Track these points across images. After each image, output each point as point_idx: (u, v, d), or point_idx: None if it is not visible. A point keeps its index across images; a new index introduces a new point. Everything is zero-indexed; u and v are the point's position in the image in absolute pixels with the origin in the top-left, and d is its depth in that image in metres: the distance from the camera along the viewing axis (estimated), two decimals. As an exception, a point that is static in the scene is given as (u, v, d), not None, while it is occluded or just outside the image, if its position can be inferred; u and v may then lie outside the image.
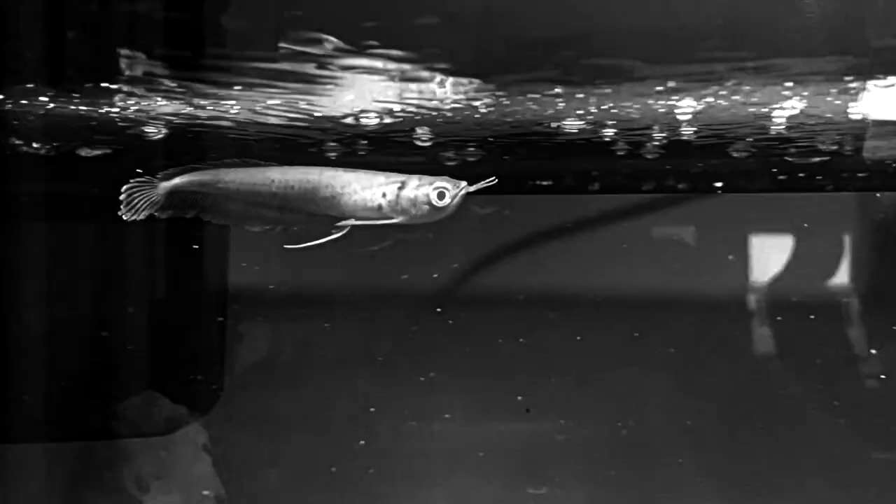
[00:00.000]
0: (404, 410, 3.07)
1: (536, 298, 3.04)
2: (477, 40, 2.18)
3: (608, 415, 3.04)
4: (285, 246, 2.08)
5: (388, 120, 2.43)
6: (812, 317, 2.99)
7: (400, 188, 2.03)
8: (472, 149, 2.57)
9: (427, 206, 2.02)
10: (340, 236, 2.04)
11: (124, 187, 2.03)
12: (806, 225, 3.02)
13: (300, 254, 3.10)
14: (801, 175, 2.69)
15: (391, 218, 2.04)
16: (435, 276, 3.05)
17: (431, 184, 2.02)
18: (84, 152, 2.62)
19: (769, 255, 3.04)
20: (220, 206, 2.10)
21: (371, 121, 2.44)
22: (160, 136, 2.50)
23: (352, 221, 2.04)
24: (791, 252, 3.04)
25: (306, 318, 3.14)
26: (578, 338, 3.00)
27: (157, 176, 2.07)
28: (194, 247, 3.04)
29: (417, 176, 2.04)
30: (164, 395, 2.94)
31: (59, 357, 2.91)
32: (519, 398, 3.02)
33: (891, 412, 2.95)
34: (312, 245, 2.05)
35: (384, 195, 2.04)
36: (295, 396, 3.07)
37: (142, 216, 2.05)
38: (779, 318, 3.01)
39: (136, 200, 2.05)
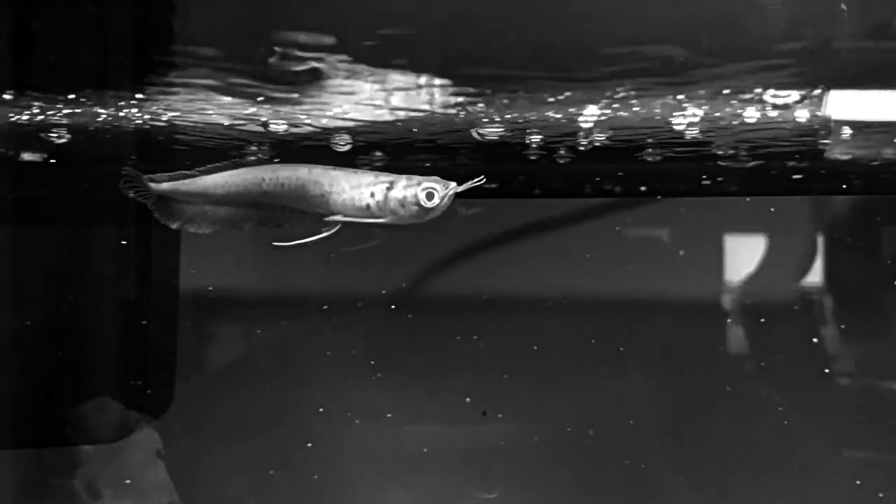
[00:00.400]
0: (356, 412, 3.04)
1: (494, 300, 3.02)
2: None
3: (565, 418, 3.03)
4: (274, 244, 2.10)
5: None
6: (765, 318, 2.99)
7: (388, 188, 2.03)
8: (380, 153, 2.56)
9: (416, 207, 2.02)
10: (328, 235, 2.05)
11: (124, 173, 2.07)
12: (757, 228, 3.03)
13: (252, 257, 3.09)
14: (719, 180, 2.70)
15: (379, 218, 2.04)
16: (403, 285, 3.03)
17: (420, 184, 2.02)
18: (27, 156, 2.59)
19: (727, 257, 3.03)
20: (208, 213, 2.12)
21: (279, 127, 2.41)
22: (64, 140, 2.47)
23: (338, 218, 2.05)
24: (760, 254, 3.03)
25: (258, 322, 3.11)
26: (536, 340, 2.98)
27: (147, 177, 2.09)
28: (146, 248, 3.00)
29: (406, 176, 2.04)
30: (116, 400, 2.90)
31: (9, 364, 2.87)
32: (467, 399, 3.00)
33: (861, 410, 2.97)
34: (301, 244, 2.06)
35: (372, 195, 2.03)
36: (248, 399, 3.04)
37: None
38: (730, 319, 3.01)
39: (128, 185, 2.09)
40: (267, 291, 3.11)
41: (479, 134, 2.45)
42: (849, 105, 2.22)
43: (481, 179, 2.00)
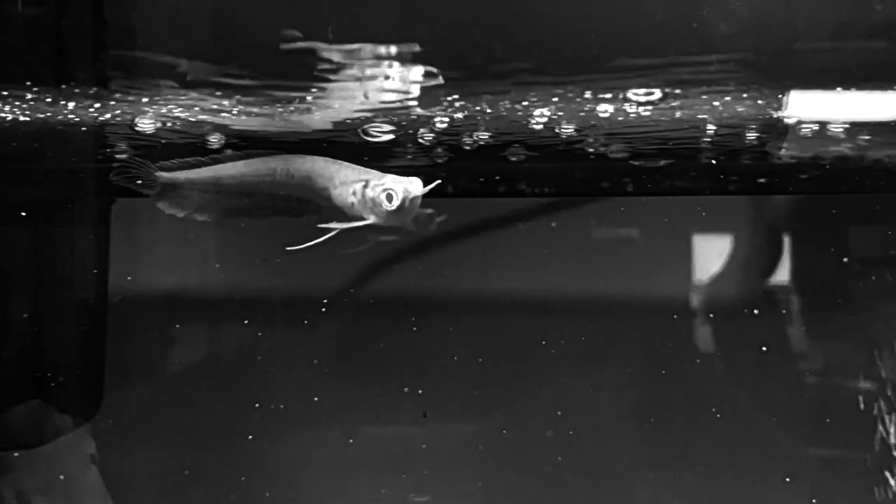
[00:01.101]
0: (293, 415, 3.00)
1: (439, 300, 3.01)
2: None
3: (527, 419, 3.02)
4: (287, 248, 2.05)
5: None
6: (730, 318, 3.03)
7: (364, 187, 2.00)
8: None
9: (382, 208, 1.98)
10: (334, 234, 2.00)
11: (126, 158, 2.05)
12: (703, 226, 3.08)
13: (185, 255, 3.03)
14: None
15: (364, 217, 2.00)
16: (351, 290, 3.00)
17: (382, 185, 1.99)
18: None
19: (693, 256, 3.07)
20: (216, 202, 2.09)
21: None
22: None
23: (332, 225, 2.01)
24: (725, 254, 3.08)
25: (193, 321, 3.05)
26: (498, 340, 2.98)
27: (156, 164, 2.06)
28: (73, 249, 2.92)
29: (381, 175, 2.01)
30: (45, 403, 2.80)
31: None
32: (415, 391, 2.98)
33: (827, 409, 3.00)
34: (308, 246, 2.02)
35: (354, 193, 2.00)
36: (185, 400, 2.98)
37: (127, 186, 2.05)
38: (696, 319, 3.05)
39: (127, 173, 2.05)
40: (207, 290, 3.06)
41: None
42: (805, 105, 2.28)
43: (439, 182, 1.99)
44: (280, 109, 2.22)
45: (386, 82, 2.14)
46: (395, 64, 2.07)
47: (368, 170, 2.04)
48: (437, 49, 2.04)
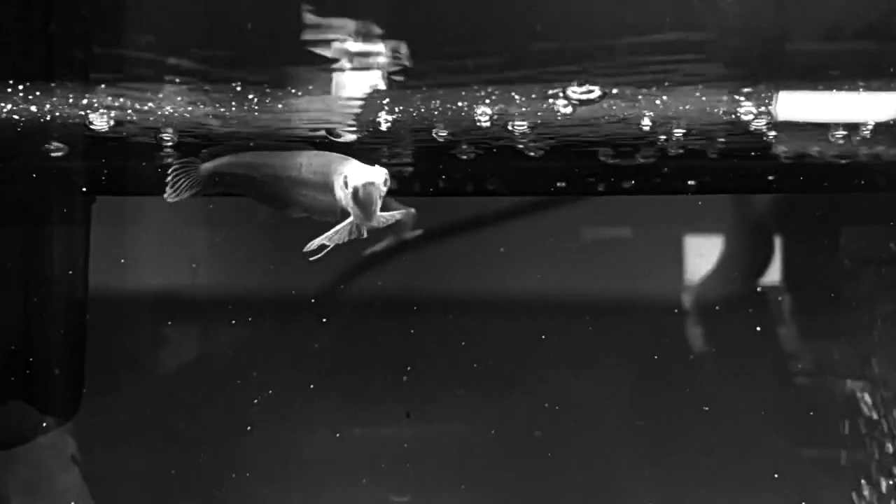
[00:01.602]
0: (277, 417, 2.99)
1: (441, 300, 2.99)
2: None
3: (516, 420, 3.01)
4: (310, 259, 1.94)
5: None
6: (722, 317, 3.03)
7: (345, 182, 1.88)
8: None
9: (342, 197, 1.88)
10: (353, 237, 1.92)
11: (170, 169, 1.97)
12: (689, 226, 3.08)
13: (168, 254, 3.01)
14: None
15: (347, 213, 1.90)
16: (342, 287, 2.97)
17: (341, 172, 1.88)
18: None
19: (684, 255, 3.07)
20: (262, 188, 2.01)
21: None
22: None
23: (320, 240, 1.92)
24: (716, 253, 3.08)
25: (176, 320, 3.03)
26: (486, 341, 2.96)
27: (200, 155, 2.00)
28: (51, 247, 2.90)
29: (348, 161, 1.91)
30: (25, 403, 2.78)
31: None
32: (405, 391, 2.97)
33: (818, 409, 3.00)
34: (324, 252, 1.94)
35: (338, 187, 1.90)
36: (168, 401, 2.96)
37: (185, 196, 2.00)
38: (687, 318, 3.05)
39: (179, 182, 1.98)
40: (191, 289, 3.03)
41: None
42: (793, 105, 2.28)
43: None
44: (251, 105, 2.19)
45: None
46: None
47: (348, 159, 1.92)
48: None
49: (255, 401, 2.95)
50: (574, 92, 2.16)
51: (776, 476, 2.94)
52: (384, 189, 1.88)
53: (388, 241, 2.73)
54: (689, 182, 2.83)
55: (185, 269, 3.02)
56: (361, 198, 1.85)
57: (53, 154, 2.53)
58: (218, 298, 3.03)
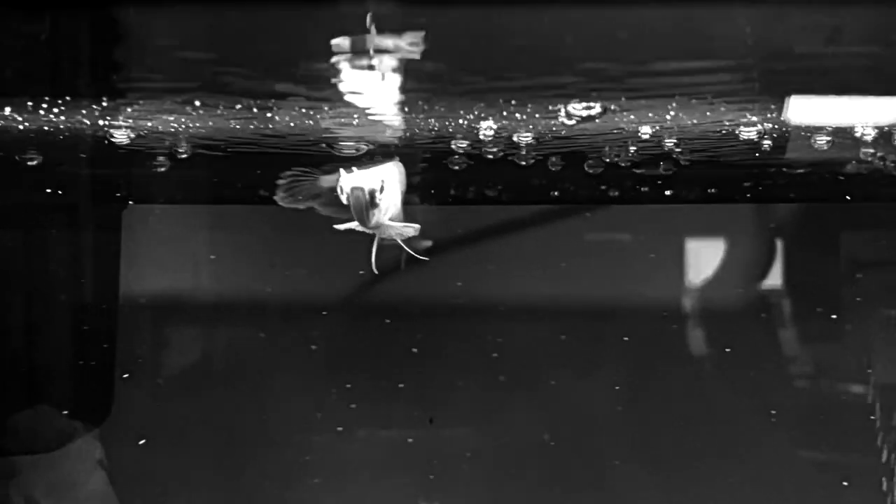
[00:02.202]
0: (304, 421, 3.00)
1: (452, 305, 3.00)
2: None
3: (524, 424, 3.00)
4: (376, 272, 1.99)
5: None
6: (724, 321, 3.03)
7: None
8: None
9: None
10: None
11: (287, 173, 1.97)
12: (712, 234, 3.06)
13: (199, 259, 3.04)
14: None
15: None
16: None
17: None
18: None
19: (686, 261, 3.06)
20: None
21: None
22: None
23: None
24: (718, 259, 3.07)
25: (204, 326, 3.06)
26: (495, 345, 2.97)
27: (322, 168, 1.99)
28: (83, 253, 2.94)
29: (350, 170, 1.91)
30: (55, 408, 2.82)
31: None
32: (412, 396, 2.97)
33: (818, 412, 3.00)
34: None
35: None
36: (194, 407, 2.98)
37: (299, 206, 2.00)
38: (690, 322, 3.04)
39: (294, 189, 1.98)
40: (215, 296, 3.06)
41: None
42: (806, 111, 2.25)
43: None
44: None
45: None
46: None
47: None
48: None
49: (284, 405, 2.97)
50: (574, 109, 2.16)
51: (781, 480, 2.95)
52: (380, 195, 1.88)
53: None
54: (710, 190, 2.82)
55: (214, 273, 3.04)
56: (350, 202, 1.86)
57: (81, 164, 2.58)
58: (247, 303, 3.05)
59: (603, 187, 2.82)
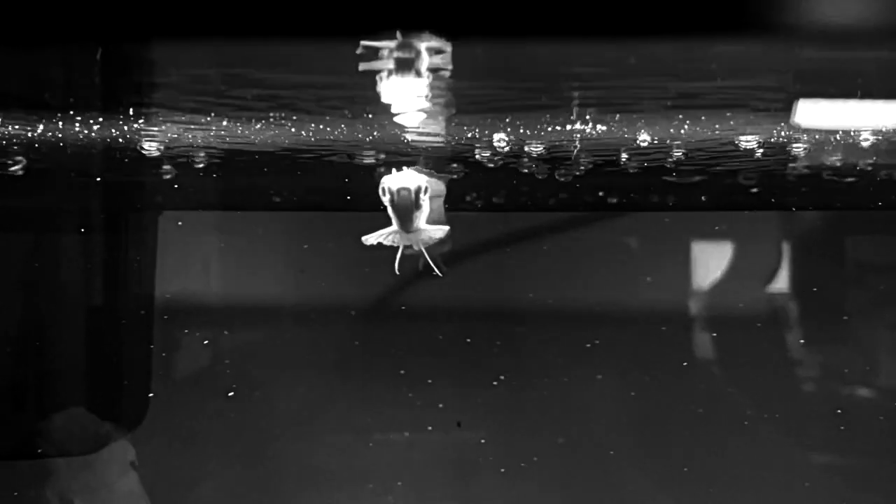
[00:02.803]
0: (334, 425, 3.03)
1: (466, 309, 3.01)
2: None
3: (535, 426, 3.01)
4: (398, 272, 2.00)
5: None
6: (731, 325, 3.01)
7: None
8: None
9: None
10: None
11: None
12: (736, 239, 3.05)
13: (232, 264, 3.07)
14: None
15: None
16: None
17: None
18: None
19: (694, 265, 3.05)
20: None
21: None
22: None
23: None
24: (727, 263, 3.06)
25: (238, 330, 3.08)
26: (507, 348, 2.97)
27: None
28: (120, 256, 2.98)
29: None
30: (89, 410, 2.86)
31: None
32: (440, 405, 2.98)
33: (826, 415, 2.99)
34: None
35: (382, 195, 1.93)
36: (223, 409, 3.01)
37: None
38: (697, 327, 3.03)
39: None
40: (242, 300, 3.09)
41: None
42: (814, 115, 2.23)
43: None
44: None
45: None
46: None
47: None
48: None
49: (317, 409, 3.00)
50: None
51: (791, 485, 2.94)
52: (425, 197, 1.89)
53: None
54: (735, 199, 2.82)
55: (245, 278, 3.07)
56: (396, 203, 1.87)
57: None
58: (280, 308, 3.08)
59: (633, 195, 2.84)
